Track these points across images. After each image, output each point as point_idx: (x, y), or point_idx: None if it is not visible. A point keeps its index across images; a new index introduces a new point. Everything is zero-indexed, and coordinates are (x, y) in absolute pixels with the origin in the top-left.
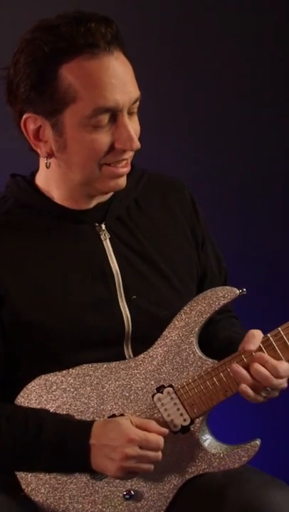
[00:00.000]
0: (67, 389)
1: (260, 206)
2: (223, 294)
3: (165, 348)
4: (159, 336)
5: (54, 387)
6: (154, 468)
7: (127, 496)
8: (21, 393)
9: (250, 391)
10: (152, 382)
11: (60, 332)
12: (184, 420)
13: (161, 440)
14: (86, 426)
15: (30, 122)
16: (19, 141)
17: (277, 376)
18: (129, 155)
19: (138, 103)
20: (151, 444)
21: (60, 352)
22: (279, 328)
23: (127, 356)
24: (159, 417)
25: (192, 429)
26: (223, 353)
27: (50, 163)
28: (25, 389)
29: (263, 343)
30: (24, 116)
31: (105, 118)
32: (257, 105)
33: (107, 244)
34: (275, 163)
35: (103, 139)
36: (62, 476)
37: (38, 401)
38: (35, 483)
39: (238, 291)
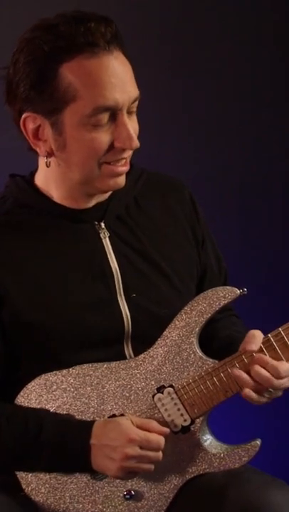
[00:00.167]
0: (68, 389)
1: (260, 206)
2: (223, 294)
3: (165, 348)
4: (159, 334)
5: (54, 386)
6: (155, 468)
7: (128, 496)
8: (21, 393)
9: (253, 394)
10: (153, 383)
11: (60, 332)
12: (185, 420)
13: (161, 440)
14: (86, 426)
15: (30, 121)
16: (19, 140)
17: (278, 377)
18: (128, 154)
19: (137, 102)
20: (151, 444)
21: (60, 352)
22: (280, 329)
23: (127, 355)
24: (160, 417)
25: (192, 429)
26: (224, 353)
27: (50, 162)
28: (25, 389)
29: (263, 343)
30: (23, 116)
31: (105, 117)
32: (257, 105)
33: (107, 243)
34: (275, 163)
35: (103, 137)
36: (62, 475)
37: (38, 401)
38: (35, 483)
39: (238, 291)
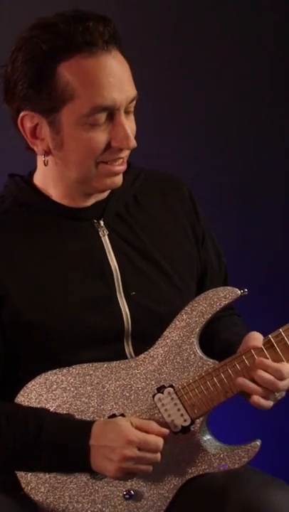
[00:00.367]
0: (68, 388)
1: (260, 206)
2: (224, 295)
3: (166, 348)
4: (159, 333)
5: (54, 386)
6: (154, 468)
7: (127, 496)
8: (21, 392)
9: (262, 401)
10: (153, 383)
11: (60, 332)
12: (185, 421)
13: (160, 442)
14: (86, 426)
15: (27, 120)
16: (18, 140)
17: (282, 378)
18: (125, 153)
19: (135, 102)
20: (150, 446)
21: (60, 352)
22: (280, 329)
23: (127, 354)
24: (160, 417)
25: (192, 429)
26: (224, 354)
27: (47, 161)
28: (25, 388)
29: (264, 344)
30: (21, 114)
31: (102, 116)
32: (257, 105)
33: (106, 241)
34: (275, 163)
35: (100, 137)
36: (62, 475)
37: (38, 400)
38: (34, 483)
39: (239, 292)
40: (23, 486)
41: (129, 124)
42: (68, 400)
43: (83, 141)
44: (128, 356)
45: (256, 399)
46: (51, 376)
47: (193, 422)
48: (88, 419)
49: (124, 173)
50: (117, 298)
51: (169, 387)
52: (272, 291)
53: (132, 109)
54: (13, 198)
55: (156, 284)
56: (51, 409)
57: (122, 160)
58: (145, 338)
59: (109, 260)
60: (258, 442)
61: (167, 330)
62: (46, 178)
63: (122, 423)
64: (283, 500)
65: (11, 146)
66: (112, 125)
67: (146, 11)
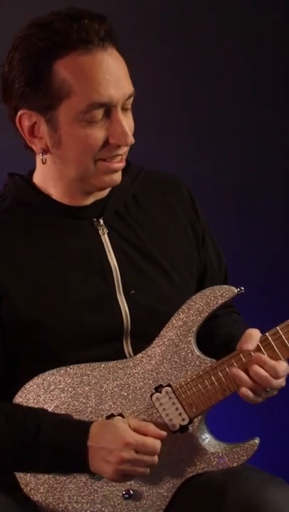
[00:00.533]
0: (66, 388)
1: (260, 206)
2: (221, 293)
3: (163, 348)
4: (158, 332)
5: (52, 386)
6: (153, 467)
7: (126, 496)
8: (19, 393)
9: (250, 393)
10: (151, 382)
11: (60, 332)
12: (183, 420)
13: (158, 444)
14: (84, 427)
15: (25, 119)
16: (17, 140)
17: (277, 377)
18: (123, 150)
19: (132, 99)
20: (147, 449)
21: (60, 352)
22: (277, 328)
23: (126, 353)
24: (158, 417)
25: (191, 428)
26: (223, 350)
27: (46, 159)
28: (23, 388)
29: (261, 342)
30: (19, 113)
31: (99, 113)
32: (257, 105)
33: (106, 240)
34: (275, 163)
35: (98, 134)
36: (61, 475)
37: (36, 400)
38: (34, 483)
39: (236, 290)
40: (22, 486)
41: (126, 121)
42: (66, 400)
43: (81, 138)
44: (127, 355)
45: (244, 390)
46: (49, 377)
47: (191, 421)
48: (86, 419)
49: (124, 173)
50: (116, 296)
51: (166, 386)
52: (272, 291)
53: (130, 106)
54: (13, 197)
55: (155, 283)
56: (49, 410)
57: (120, 157)
58: (144, 337)
59: (109, 259)
60: (257, 440)
61: (164, 329)
62: (46, 177)
63: (120, 425)
64: (282, 498)
65: (10, 146)
66: (109, 122)
67: (146, 11)
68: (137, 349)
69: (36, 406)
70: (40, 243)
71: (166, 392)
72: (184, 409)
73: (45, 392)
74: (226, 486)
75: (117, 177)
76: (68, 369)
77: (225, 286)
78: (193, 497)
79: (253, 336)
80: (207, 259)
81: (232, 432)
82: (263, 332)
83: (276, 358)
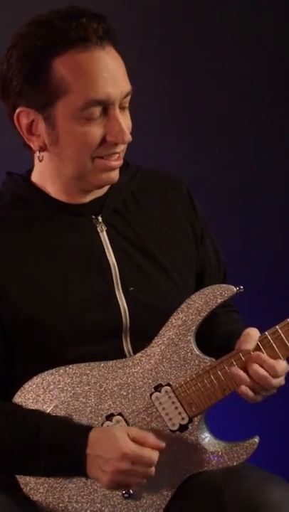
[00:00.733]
0: (65, 388)
1: (260, 206)
2: (220, 292)
3: (163, 347)
4: (157, 329)
5: (51, 386)
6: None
7: (126, 495)
8: (18, 392)
9: (249, 392)
10: (150, 381)
11: (60, 332)
12: (182, 419)
13: (155, 456)
14: (83, 432)
15: (23, 116)
16: (17, 139)
17: (275, 376)
18: (121, 148)
19: (129, 98)
20: (144, 460)
21: (60, 352)
22: (277, 327)
23: (126, 350)
24: (157, 416)
25: (190, 427)
26: (223, 349)
27: (42, 156)
28: (22, 389)
29: (260, 341)
30: (17, 111)
31: (97, 111)
32: (257, 105)
33: (104, 237)
34: (275, 163)
35: (95, 131)
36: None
37: (35, 400)
38: (33, 483)
39: (235, 289)
40: (22, 486)
41: (124, 119)
42: (66, 399)
43: (78, 136)
44: (126, 353)
45: (244, 389)
46: (48, 376)
47: (191, 420)
48: (86, 418)
49: (122, 171)
50: (115, 294)
51: (166, 385)
52: (272, 291)
53: (127, 104)
54: (11, 195)
55: (155, 281)
56: (49, 410)
57: (117, 155)
58: (144, 335)
59: (108, 256)
60: (256, 439)
61: (164, 328)
62: (43, 175)
63: (119, 434)
64: (282, 496)
65: (10, 146)
66: (106, 119)
67: (146, 11)
68: (136, 346)
69: (36, 406)
70: (40, 241)
71: (166, 392)
72: (184, 409)
73: (45, 391)
74: (226, 484)
75: (115, 175)
76: (67, 369)
77: (224, 285)
78: (193, 496)
79: (252, 336)
80: (205, 256)
81: (231, 431)
82: (262, 332)
83: (275, 357)
